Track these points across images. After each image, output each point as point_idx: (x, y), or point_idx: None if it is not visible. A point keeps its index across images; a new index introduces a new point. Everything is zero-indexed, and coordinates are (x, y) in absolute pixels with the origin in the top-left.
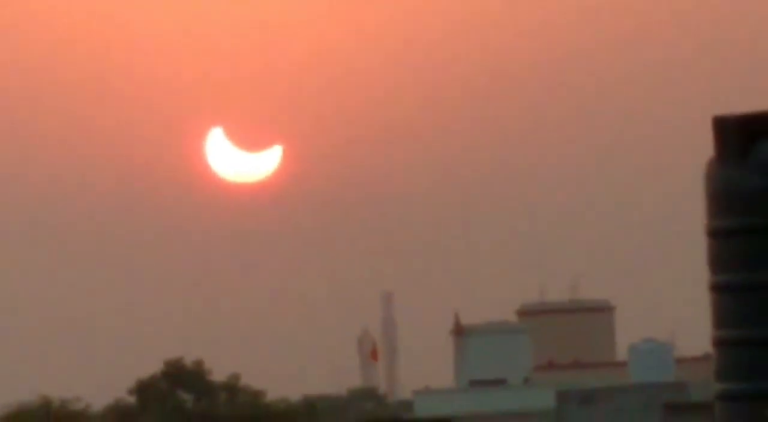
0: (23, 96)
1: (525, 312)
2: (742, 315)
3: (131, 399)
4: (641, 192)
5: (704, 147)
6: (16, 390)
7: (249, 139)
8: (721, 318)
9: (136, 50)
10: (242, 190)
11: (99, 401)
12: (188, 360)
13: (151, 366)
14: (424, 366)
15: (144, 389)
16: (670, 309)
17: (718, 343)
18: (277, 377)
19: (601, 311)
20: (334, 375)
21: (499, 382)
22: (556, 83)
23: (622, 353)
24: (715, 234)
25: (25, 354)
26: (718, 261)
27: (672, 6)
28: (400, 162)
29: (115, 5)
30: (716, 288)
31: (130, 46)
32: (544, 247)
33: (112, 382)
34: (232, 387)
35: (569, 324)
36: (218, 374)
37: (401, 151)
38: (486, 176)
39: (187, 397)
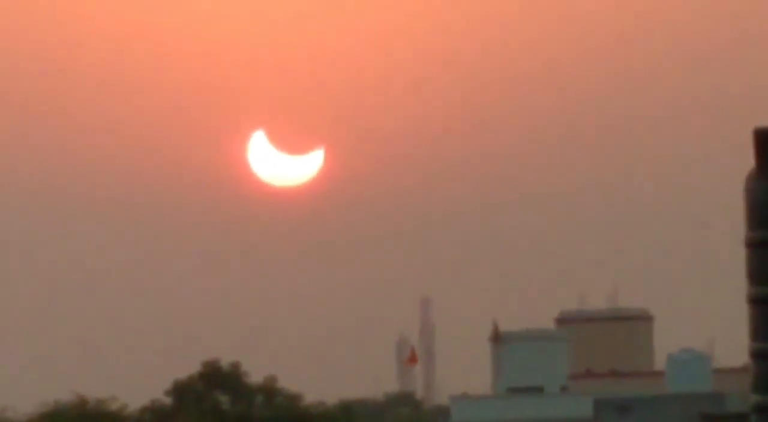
0: (70, 100)
1: (563, 320)
2: None
3: (167, 400)
4: (682, 203)
5: (745, 159)
6: (52, 389)
7: (291, 143)
8: (758, 330)
9: (180, 55)
10: (284, 193)
11: (135, 401)
12: (225, 361)
13: (188, 367)
14: (462, 372)
15: (180, 390)
16: (709, 319)
17: (755, 355)
18: (314, 380)
19: (639, 320)
20: (371, 380)
21: (537, 390)
22: (600, 97)
23: (660, 363)
24: (754, 245)
25: (62, 353)
26: (756, 273)
27: (714, 18)
28: (442, 168)
29: (161, 12)
30: (754, 300)
31: (175, 51)
32: (584, 256)
33: (149, 383)
34: (268, 390)
35: (607, 332)
36: (255, 376)
37: (443, 158)
38: (528, 185)
39: (223, 399)
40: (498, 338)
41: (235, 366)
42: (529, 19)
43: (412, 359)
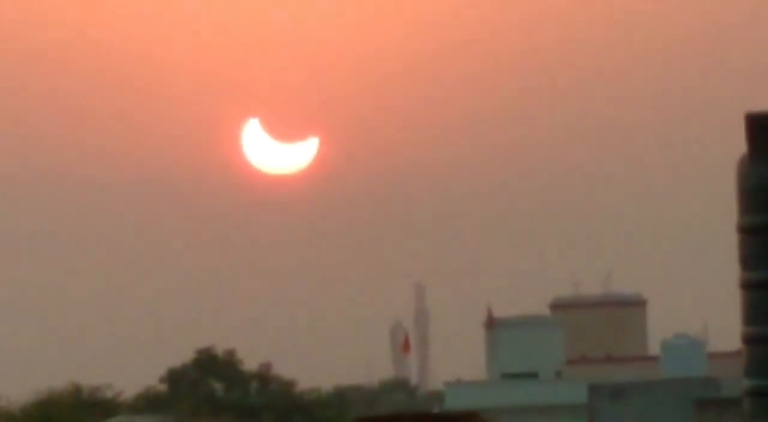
0: (61, 91)
1: (557, 306)
2: None
3: (162, 387)
4: (675, 187)
5: (737, 143)
6: (47, 376)
7: (285, 131)
8: (751, 315)
9: (173, 43)
10: (278, 181)
11: (130, 389)
12: (219, 348)
13: (182, 355)
14: (456, 358)
15: (175, 377)
16: (703, 304)
17: (748, 340)
18: (309, 367)
19: (633, 305)
20: (365, 366)
21: (531, 375)
22: (593, 83)
23: (654, 348)
24: (746, 230)
25: (56, 341)
26: (748, 258)
27: (706, 4)
28: (435, 155)
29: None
30: (747, 285)
31: (167, 38)
32: (577, 241)
33: (144, 370)
34: (263, 377)
35: (601, 318)
36: (249, 363)
37: (436, 145)
38: (520, 171)
39: (218, 386)
40: (492, 324)
41: (230, 354)
42: (526, 6)
43: (406, 347)
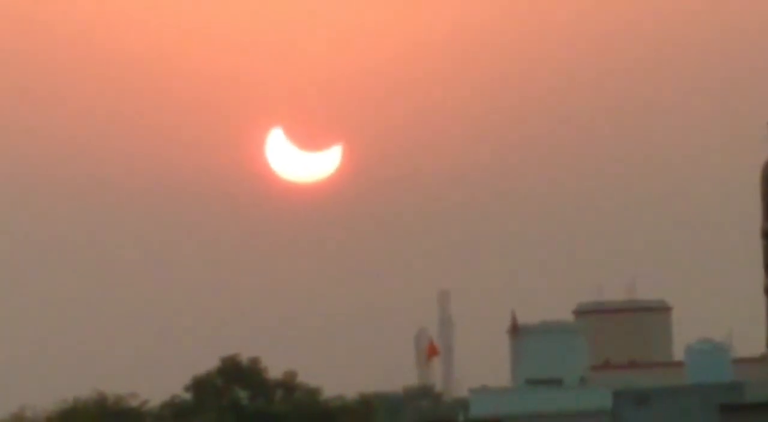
0: (86, 95)
1: (581, 312)
2: None
3: (187, 396)
4: (699, 192)
5: (762, 148)
6: (72, 385)
7: (309, 139)
8: None
9: (196, 51)
10: (302, 189)
11: (155, 397)
12: (244, 357)
13: (207, 363)
14: (481, 365)
15: (200, 386)
16: (727, 309)
17: None
18: (334, 375)
19: (657, 311)
20: (390, 373)
21: (555, 382)
22: (615, 87)
23: (678, 353)
24: None
25: (81, 349)
26: None
27: (729, 11)
28: (459, 162)
29: (178, 8)
30: None
31: (191, 46)
32: (602, 247)
33: (168, 379)
34: (288, 385)
35: (625, 324)
36: (274, 371)
37: (460, 151)
38: (545, 177)
39: (242, 394)
40: (516, 330)
41: (255, 362)
42: (550, 10)
43: (432, 352)
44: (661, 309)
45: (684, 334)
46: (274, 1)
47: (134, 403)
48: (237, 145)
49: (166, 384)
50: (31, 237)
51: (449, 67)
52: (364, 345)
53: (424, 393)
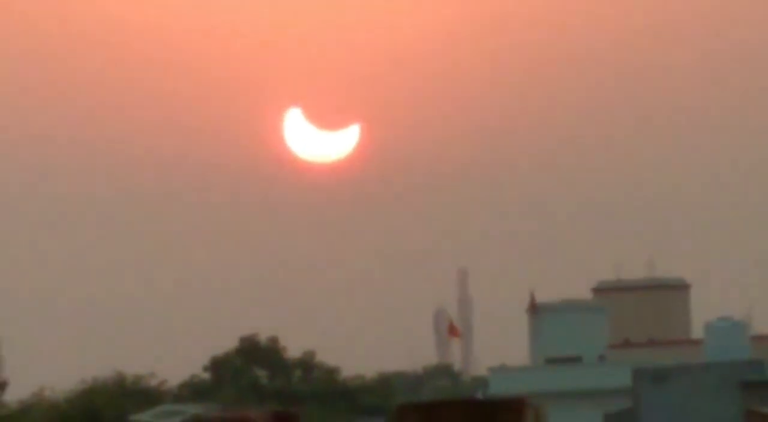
0: (104, 78)
1: (600, 290)
2: None
3: (206, 376)
4: (717, 171)
5: None
6: (91, 365)
7: (327, 119)
8: None
9: (214, 33)
10: (320, 169)
11: (174, 377)
12: (263, 336)
13: (225, 343)
14: (500, 344)
15: (219, 366)
16: (746, 287)
17: None
18: (352, 354)
19: (676, 289)
20: (409, 352)
21: (575, 360)
22: (639, 76)
23: (697, 331)
24: None
25: (100, 330)
26: None
27: (749, 21)
28: (477, 142)
29: None
30: None
31: (210, 31)
32: (620, 225)
33: (187, 359)
34: (306, 364)
35: (645, 302)
36: (293, 351)
37: (477, 131)
38: (563, 156)
39: (261, 374)
40: (535, 309)
41: (273, 341)
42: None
43: (453, 331)
44: (680, 287)
45: (703, 312)
46: None
47: (153, 383)
48: (255, 125)
49: (185, 363)
50: (48, 221)
51: (466, 49)
52: (383, 325)
53: (443, 371)
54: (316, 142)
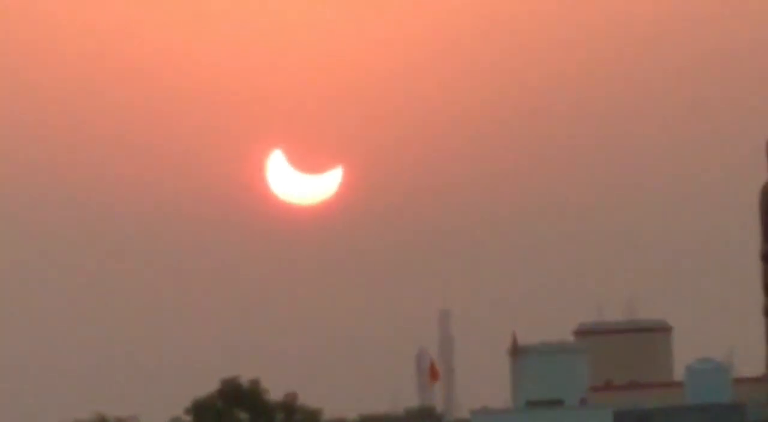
0: (84, 115)
1: (582, 332)
2: None
3: (187, 419)
4: (698, 213)
5: (760, 169)
6: (72, 407)
7: (309, 162)
8: None
9: (196, 72)
10: (302, 211)
11: (156, 419)
12: (244, 378)
13: (207, 385)
14: (482, 386)
15: (200, 408)
16: (727, 329)
17: None
18: (334, 396)
19: (658, 331)
20: (391, 394)
21: (556, 403)
22: (612, 107)
23: (679, 373)
24: None
25: (81, 371)
26: None
27: (728, 29)
28: (459, 183)
29: (177, 30)
30: None
31: (191, 68)
32: (601, 267)
33: (168, 401)
34: (288, 407)
35: (626, 344)
36: (275, 393)
37: (460, 173)
38: (545, 196)
39: (243, 416)
40: (517, 351)
41: (255, 384)
42: (555, 21)
43: (434, 375)
44: (662, 330)
45: (685, 354)
46: (273, 25)
47: None
48: (237, 167)
49: (166, 406)
50: (31, 258)
51: (449, 88)
52: (364, 367)
53: (425, 414)
54: (298, 185)
